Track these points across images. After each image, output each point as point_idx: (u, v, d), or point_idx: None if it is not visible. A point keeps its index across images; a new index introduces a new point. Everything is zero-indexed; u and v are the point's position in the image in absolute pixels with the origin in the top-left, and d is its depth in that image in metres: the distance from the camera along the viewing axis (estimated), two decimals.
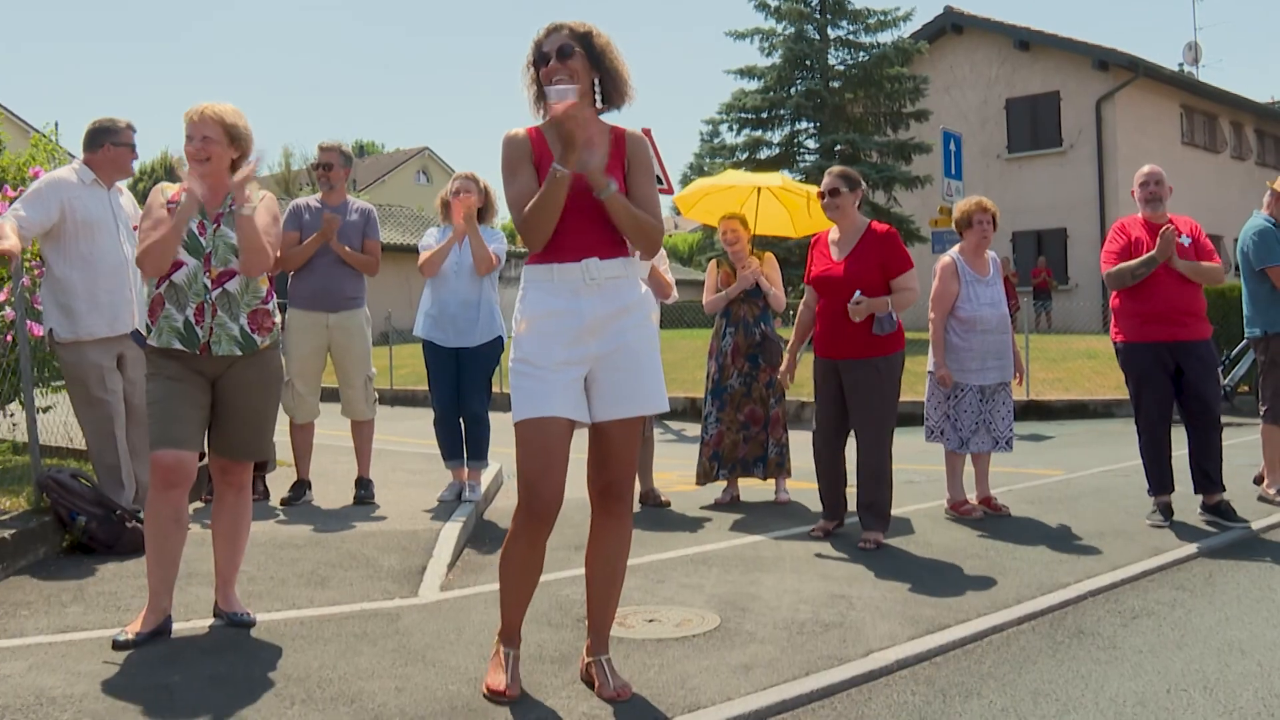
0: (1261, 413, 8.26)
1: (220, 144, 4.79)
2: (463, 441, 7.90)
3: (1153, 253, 7.18)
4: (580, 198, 4.00)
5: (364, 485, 7.89)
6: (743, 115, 27.31)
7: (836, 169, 7.12)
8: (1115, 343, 7.60)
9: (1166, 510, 7.41)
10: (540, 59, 4.07)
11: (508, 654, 4.15)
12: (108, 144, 6.59)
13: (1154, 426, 7.40)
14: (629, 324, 4.07)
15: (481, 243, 7.55)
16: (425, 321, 7.89)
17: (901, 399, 15.46)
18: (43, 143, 8.61)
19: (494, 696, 4.02)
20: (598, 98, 4.14)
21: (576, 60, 4.03)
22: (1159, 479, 7.43)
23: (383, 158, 66.36)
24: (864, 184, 7.05)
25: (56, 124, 37.93)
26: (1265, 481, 8.29)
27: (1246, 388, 15.25)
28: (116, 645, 4.52)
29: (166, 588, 4.75)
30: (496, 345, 7.87)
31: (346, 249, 7.70)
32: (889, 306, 6.77)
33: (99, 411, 6.55)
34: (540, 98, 4.09)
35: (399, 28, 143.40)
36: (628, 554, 4.27)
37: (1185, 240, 7.32)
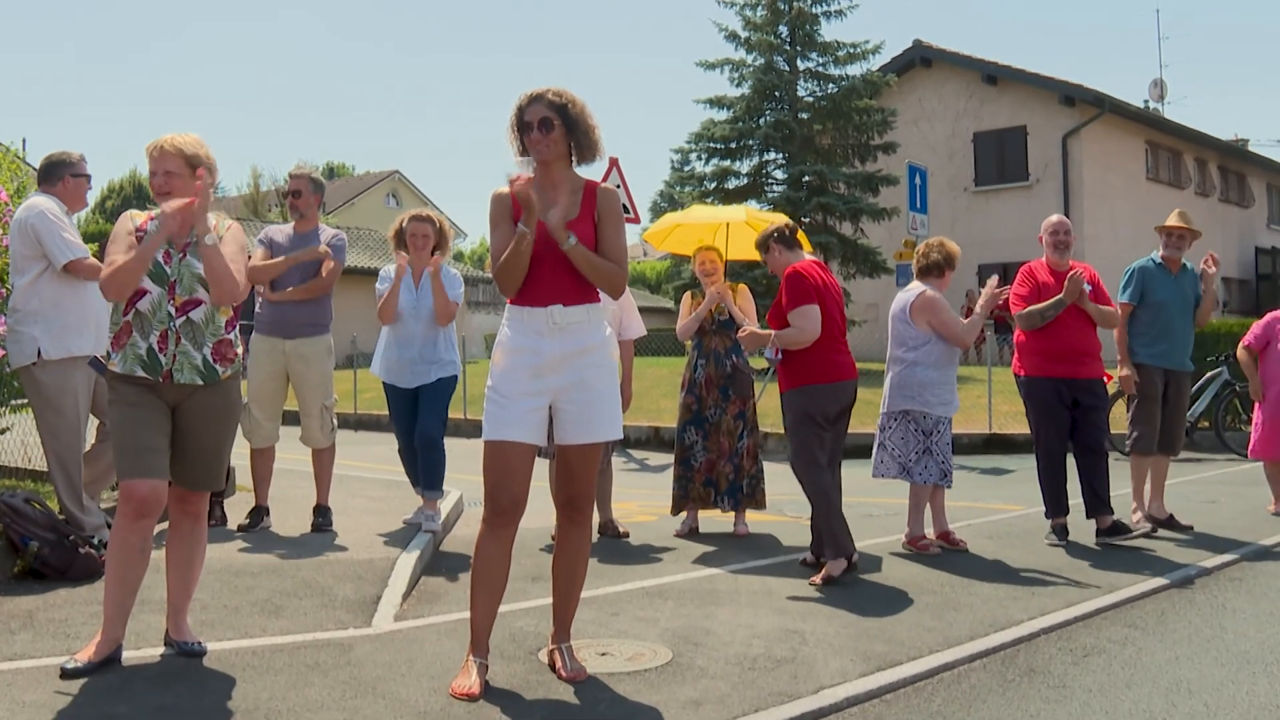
0: (1129, 442, 8.73)
1: (182, 176, 4.78)
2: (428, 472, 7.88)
3: (1060, 296, 7.87)
4: (552, 249, 4.59)
5: (322, 513, 7.85)
6: (712, 145, 27.34)
7: (758, 237, 7.43)
8: (1018, 376, 8.34)
9: (1062, 531, 8.08)
10: (522, 125, 4.63)
11: (476, 662, 4.60)
12: (67, 176, 6.70)
13: (1052, 453, 8.13)
14: (588, 363, 4.66)
15: (444, 295, 7.59)
16: (382, 364, 7.92)
17: (861, 430, 15.55)
18: (6, 159, 8.54)
19: (458, 698, 4.40)
20: (573, 159, 4.74)
21: (556, 132, 4.62)
22: (1056, 502, 8.14)
23: (352, 180, 66.17)
24: (786, 232, 7.31)
25: (24, 140, 37.58)
26: (1133, 508, 8.65)
27: (1207, 423, 15.37)
28: (65, 674, 4.48)
29: (122, 616, 4.72)
30: (452, 380, 7.91)
31: (287, 293, 7.66)
32: (768, 339, 6.98)
33: (73, 435, 6.55)
34: (524, 151, 4.68)
35: (372, 48, 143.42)
36: (588, 555, 4.89)
37: (1087, 287, 7.98)
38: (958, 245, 8.03)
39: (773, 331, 6.98)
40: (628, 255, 4.83)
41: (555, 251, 4.59)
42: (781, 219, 10.44)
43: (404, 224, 7.85)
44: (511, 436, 4.58)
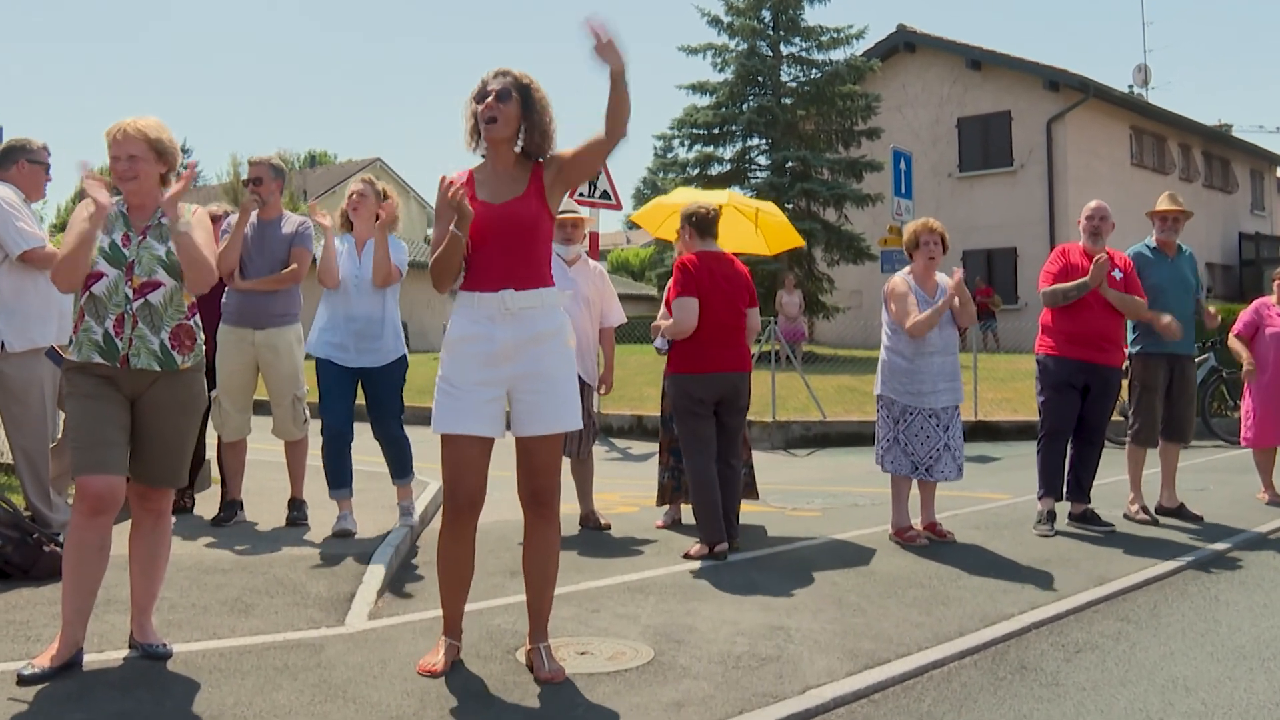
0: (1130, 433, 8.64)
1: (147, 161, 4.64)
2: (351, 469, 7.46)
3: (1085, 279, 7.82)
4: (502, 232, 4.50)
5: (297, 506, 7.68)
6: (695, 131, 27.17)
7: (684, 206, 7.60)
8: (1039, 355, 8.27)
9: (1051, 516, 8.02)
10: (482, 95, 4.53)
11: (447, 642, 4.66)
12: (22, 160, 6.55)
13: (1056, 433, 8.12)
14: (543, 350, 4.54)
15: (385, 252, 7.07)
16: (321, 339, 7.35)
17: (847, 419, 15.50)
18: None
19: (425, 674, 4.50)
20: (520, 143, 4.59)
21: (511, 105, 4.50)
22: (1050, 483, 8.12)
23: (334, 168, 65.63)
24: (707, 217, 7.36)
25: (1, 128, 37.40)
26: (1130, 498, 8.55)
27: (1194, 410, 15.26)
28: (22, 680, 4.30)
29: (81, 618, 4.55)
30: (402, 363, 7.46)
31: (252, 282, 7.43)
32: (659, 331, 7.43)
33: (40, 427, 6.41)
34: (475, 132, 4.57)
35: (352, 35, 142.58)
36: (558, 550, 4.75)
37: (1118, 274, 7.99)
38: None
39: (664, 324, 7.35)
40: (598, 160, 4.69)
41: (504, 235, 4.50)
42: (769, 205, 10.31)
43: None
44: (463, 429, 4.50)
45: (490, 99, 4.49)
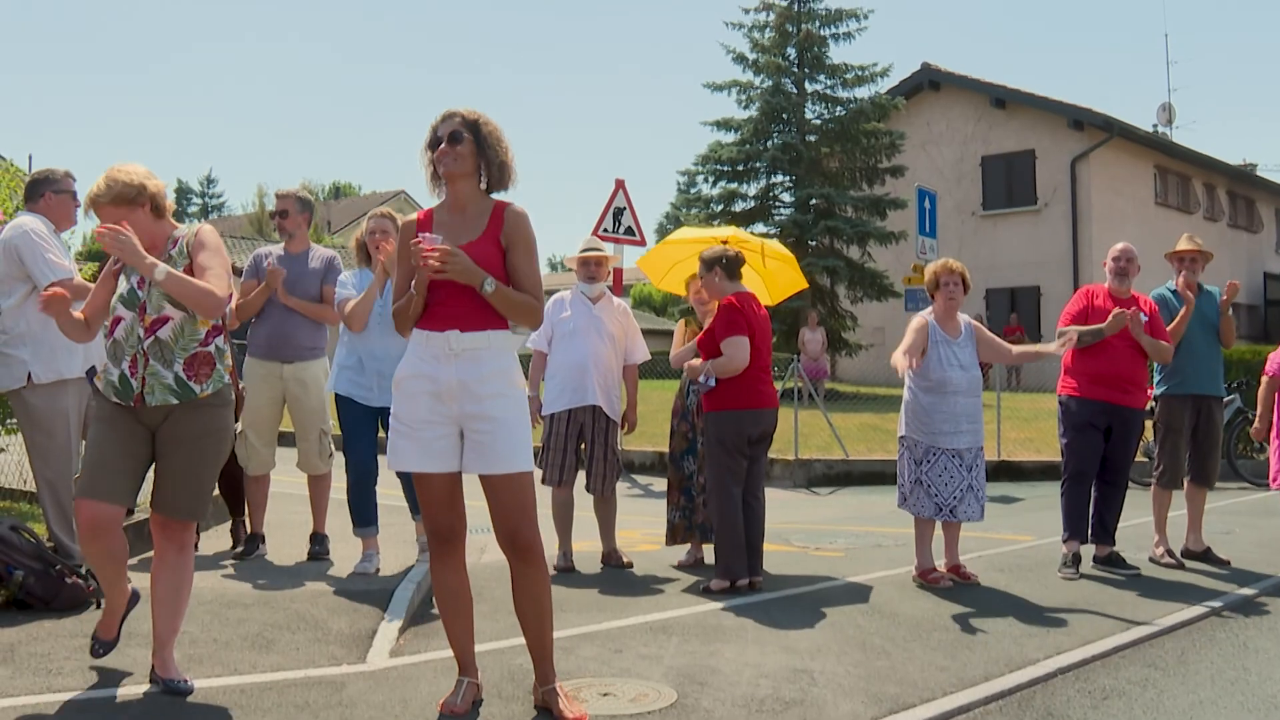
0: (1155, 476, 8.62)
1: (116, 210, 4.70)
2: (377, 507, 7.39)
3: (1102, 325, 7.84)
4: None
5: (319, 541, 7.66)
6: (719, 167, 27.25)
7: (704, 251, 7.68)
8: (1061, 396, 8.24)
9: (1076, 560, 7.95)
10: (434, 142, 4.54)
11: (460, 681, 4.64)
12: (48, 193, 6.59)
13: (1080, 475, 8.07)
14: (489, 392, 4.49)
15: None
16: (343, 376, 7.29)
17: (869, 457, 15.43)
18: (7, 176, 8.45)
19: (445, 715, 4.49)
20: (483, 180, 4.61)
21: (464, 146, 4.52)
22: (1075, 525, 8.05)
23: (358, 200, 66.03)
24: (736, 260, 7.57)
25: (30, 157, 37.66)
26: (1155, 541, 8.50)
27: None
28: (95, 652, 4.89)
29: (119, 580, 4.92)
30: None
31: (295, 300, 7.44)
32: (705, 368, 7.32)
33: (65, 458, 6.45)
34: (435, 178, 4.59)
35: (378, 68, 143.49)
36: (549, 592, 4.64)
37: (1143, 318, 7.99)
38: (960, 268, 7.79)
39: (710, 362, 7.31)
40: (541, 285, 4.65)
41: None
42: (773, 245, 10.17)
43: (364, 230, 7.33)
44: (415, 467, 4.55)
45: (443, 145, 4.50)
